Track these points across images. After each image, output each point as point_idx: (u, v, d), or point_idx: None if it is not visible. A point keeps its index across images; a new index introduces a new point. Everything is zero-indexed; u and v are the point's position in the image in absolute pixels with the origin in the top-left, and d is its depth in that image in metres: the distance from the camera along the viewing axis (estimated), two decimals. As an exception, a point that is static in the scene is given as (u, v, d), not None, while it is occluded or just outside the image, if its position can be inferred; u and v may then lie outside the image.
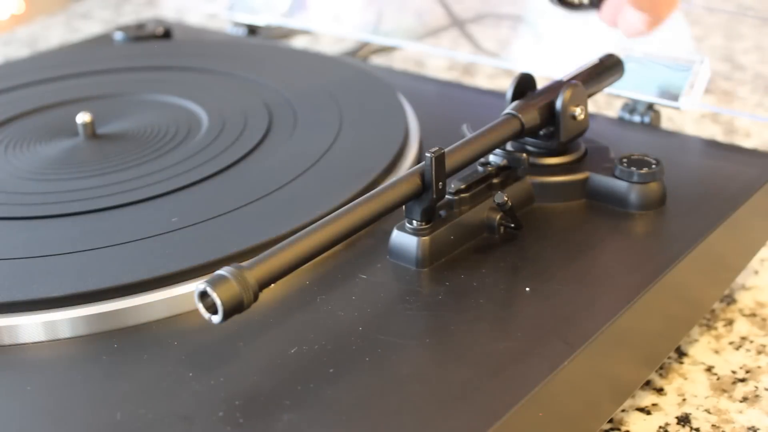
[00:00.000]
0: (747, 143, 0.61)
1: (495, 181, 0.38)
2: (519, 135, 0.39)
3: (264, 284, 0.30)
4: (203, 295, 0.29)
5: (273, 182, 0.41)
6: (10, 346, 0.33)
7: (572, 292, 0.34)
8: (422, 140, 0.45)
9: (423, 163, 0.35)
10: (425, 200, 0.35)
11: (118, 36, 0.66)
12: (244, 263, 0.30)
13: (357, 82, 0.52)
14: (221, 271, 0.29)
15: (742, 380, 0.40)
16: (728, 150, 0.45)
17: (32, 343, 0.33)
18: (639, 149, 0.43)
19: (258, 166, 0.43)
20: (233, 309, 0.29)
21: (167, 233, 0.37)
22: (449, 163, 0.35)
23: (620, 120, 0.48)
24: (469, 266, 0.35)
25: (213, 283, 0.29)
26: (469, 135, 0.38)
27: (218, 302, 0.28)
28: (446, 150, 0.35)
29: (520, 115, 0.39)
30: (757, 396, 0.39)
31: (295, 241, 0.31)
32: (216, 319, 0.29)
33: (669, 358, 0.41)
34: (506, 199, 0.36)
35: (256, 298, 0.29)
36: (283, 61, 0.57)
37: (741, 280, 0.47)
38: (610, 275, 0.35)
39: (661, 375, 0.40)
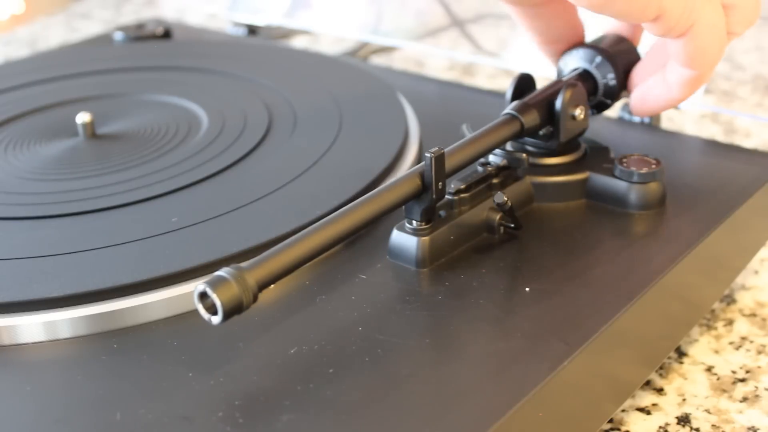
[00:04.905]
0: (747, 143, 0.62)
1: (495, 181, 0.38)
2: (519, 135, 0.39)
3: (264, 285, 0.30)
4: (203, 296, 0.29)
5: (273, 182, 0.41)
6: (10, 346, 0.33)
7: (572, 292, 0.34)
8: (422, 140, 0.45)
9: (423, 163, 0.35)
10: (425, 200, 0.35)
11: (118, 36, 0.66)
12: (243, 264, 0.30)
13: (357, 82, 0.52)
14: (221, 272, 0.29)
15: (742, 380, 0.40)
16: (728, 150, 0.45)
17: (32, 343, 0.33)
18: (639, 149, 0.43)
19: (258, 166, 0.43)
20: (233, 310, 0.29)
21: (167, 233, 0.37)
22: (449, 163, 0.35)
23: (620, 120, 0.48)
24: (469, 266, 0.35)
25: (212, 284, 0.29)
26: (469, 135, 0.38)
27: (218, 303, 0.28)
28: (446, 150, 0.35)
29: (519, 116, 0.39)
30: (757, 396, 0.39)
31: (295, 241, 0.31)
32: (216, 320, 0.29)
33: (669, 358, 0.41)
34: (506, 199, 0.36)
35: (255, 299, 0.30)
36: (283, 61, 0.57)
37: (741, 280, 0.47)
38: (610, 275, 0.35)
39: (661, 375, 0.40)
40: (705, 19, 0.37)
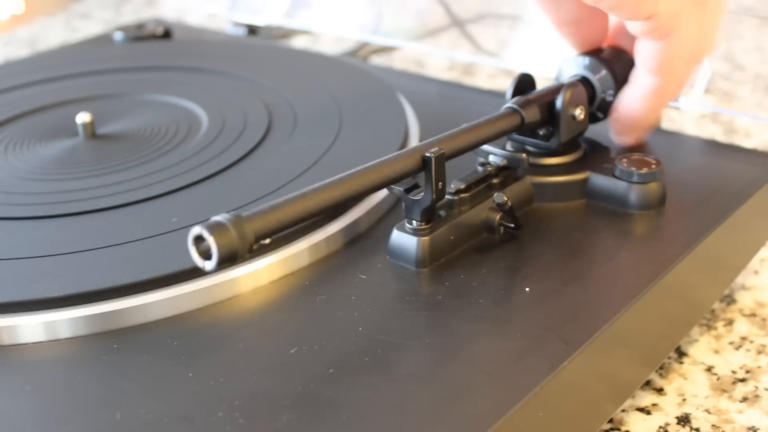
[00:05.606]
0: (747, 143, 0.62)
1: (495, 181, 0.38)
2: (519, 129, 0.39)
3: (261, 236, 0.30)
4: (198, 240, 0.29)
5: (273, 182, 0.41)
6: (10, 346, 0.33)
7: (572, 292, 0.34)
8: (422, 140, 0.45)
9: (426, 141, 0.35)
10: (425, 200, 0.35)
11: (118, 36, 0.66)
12: (243, 213, 0.29)
13: (357, 82, 0.52)
14: (218, 218, 0.29)
15: (742, 380, 0.40)
16: (728, 150, 0.45)
17: (32, 343, 0.33)
18: (639, 149, 0.43)
19: (258, 166, 0.43)
20: (228, 256, 0.28)
21: (167, 233, 0.37)
22: (449, 147, 0.35)
23: (620, 120, 0.48)
24: (469, 266, 0.35)
25: (210, 228, 0.28)
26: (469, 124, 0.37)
27: (213, 247, 0.28)
28: (446, 134, 0.35)
29: (520, 109, 0.39)
30: (757, 396, 0.39)
31: (296, 198, 0.31)
32: (209, 265, 0.28)
33: (669, 358, 0.41)
34: (506, 199, 0.36)
35: (251, 249, 0.29)
36: (283, 61, 0.57)
37: (741, 280, 0.47)
38: (610, 275, 0.35)
39: (661, 375, 0.40)
40: (687, 28, 0.38)
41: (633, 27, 0.38)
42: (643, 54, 0.40)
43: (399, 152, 0.35)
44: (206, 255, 0.28)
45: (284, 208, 0.31)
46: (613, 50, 0.43)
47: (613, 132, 0.43)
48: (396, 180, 0.34)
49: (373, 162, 0.34)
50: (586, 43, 0.43)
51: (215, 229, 0.28)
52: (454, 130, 0.36)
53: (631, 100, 0.41)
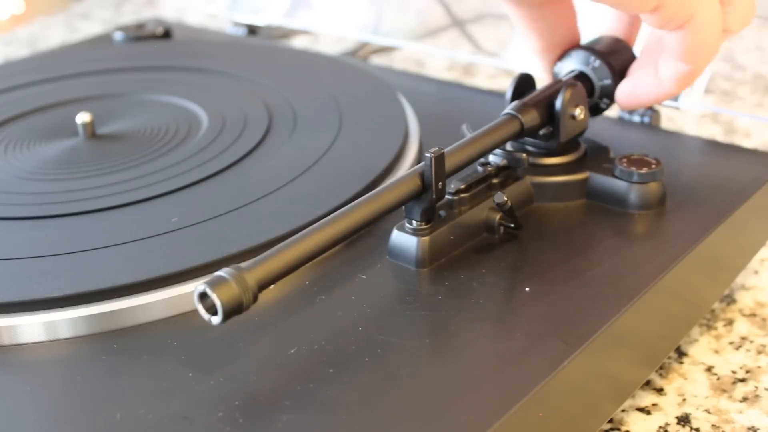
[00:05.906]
0: (747, 143, 0.62)
1: (495, 181, 0.38)
2: (519, 135, 0.39)
3: (263, 285, 0.30)
4: (203, 296, 0.29)
5: (273, 182, 0.41)
6: (10, 346, 0.33)
7: (572, 292, 0.34)
8: (422, 140, 0.45)
9: (423, 163, 0.35)
10: (425, 200, 0.35)
11: (118, 36, 0.66)
12: (243, 264, 0.30)
13: (357, 82, 0.52)
14: (220, 272, 0.29)
15: (742, 380, 0.40)
16: (728, 150, 0.45)
17: (32, 343, 0.33)
18: (639, 149, 0.43)
19: (258, 166, 0.43)
20: (233, 310, 0.29)
21: (167, 233, 0.37)
22: (449, 163, 0.35)
23: (620, 120, 0.48)
24: (469, 266, 0.35)
25: (212, 284, 0.29)
26: (469, 135, 0.38)
27: (218, 303, 0.28)
28: (446, 150, 0.35)
29: (519, 115, 0.39)
30: (757, 396, 0.39)
31: (295, 242, 0.31)
32: (216, 320, 0.29)
33: (669, 358, 0.41)
34: (506, 199, 0.36)
35: (255, 299, 0.30)
36: (283, 61, 0.57)
37: (741, 280, 0.47)
38: (610, 275, 0.35)
39: (661, 375, 0.40)
40: (703, 12, 0.37)
41: (648, 20, 0.38)
42: (668, 44, 0.39)
43: (397, 178, 0.35)
44: (212, 311, 0.29)
45: (285, 253, 0.31)
46: (608, 39, 0.43)
47: (624, 107, 0.43)
48: (398, 206, 0.34)
49: (371, 192, 0.34)
50: (556, 60, 0.43)
51: (218, 285, 0.29)
52: (454, 145, 0.36)
53: (661, 82, 0.41)
